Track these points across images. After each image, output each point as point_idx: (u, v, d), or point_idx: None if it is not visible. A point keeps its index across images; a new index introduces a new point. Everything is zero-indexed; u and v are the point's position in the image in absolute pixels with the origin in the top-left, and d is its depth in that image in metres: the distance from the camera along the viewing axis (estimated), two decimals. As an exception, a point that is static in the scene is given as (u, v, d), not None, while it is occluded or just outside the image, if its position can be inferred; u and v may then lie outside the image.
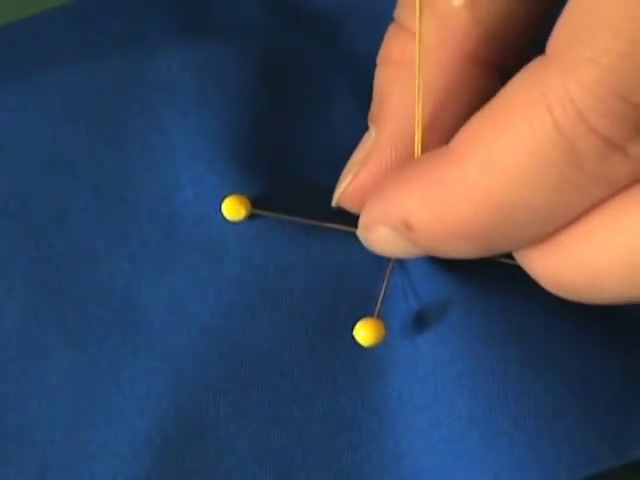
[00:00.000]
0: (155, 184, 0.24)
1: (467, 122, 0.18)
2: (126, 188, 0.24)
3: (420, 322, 0.22)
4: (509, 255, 0.20)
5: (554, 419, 0.21)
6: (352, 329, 0.22)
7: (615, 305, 0.19)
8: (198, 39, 0.25)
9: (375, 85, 0.23)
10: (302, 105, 0.25)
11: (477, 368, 0.21)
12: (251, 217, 0.23)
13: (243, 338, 0.23)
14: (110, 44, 0.25)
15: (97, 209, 0.24)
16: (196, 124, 0.24)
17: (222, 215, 0.23)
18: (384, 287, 0.22)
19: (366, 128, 0.23)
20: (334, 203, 0.23)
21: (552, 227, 0.17)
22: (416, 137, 0.21)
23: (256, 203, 0.23)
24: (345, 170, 0.23)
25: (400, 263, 0.23)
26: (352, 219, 0.22)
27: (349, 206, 0.23)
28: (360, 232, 0.22)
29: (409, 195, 0.19)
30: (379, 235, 0.20)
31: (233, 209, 0.23)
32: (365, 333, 0.22)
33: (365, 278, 0.23)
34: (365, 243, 0.22)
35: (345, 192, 0.23)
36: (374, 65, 0.23)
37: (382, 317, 0.22)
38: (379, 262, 0.23)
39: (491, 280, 0.23)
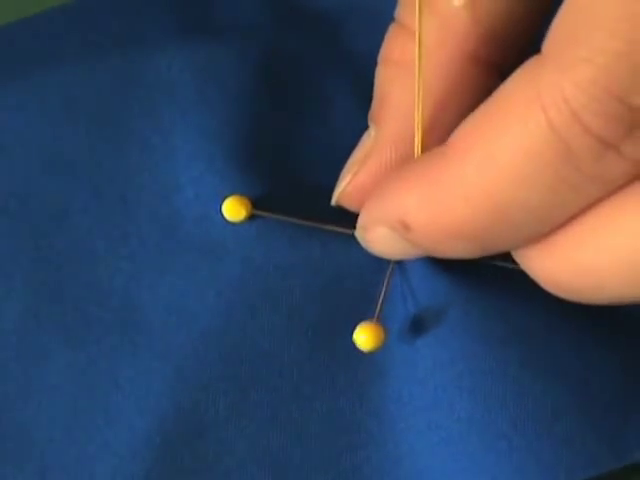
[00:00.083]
0: (155, 184, 0.24)
1: (465, 120, 0.18)
2: (126, 188, 0.24)
3: (419, 324, 0.22)
4: (508, 258, 0.20)
5: (553, 421, 0.21)
6: (352, 330, 0.22)
7: (615, 306, 0.19)
8: (198, 39, 0.25)
9: (375, 84, 0.23)
10: (302, 105, 0.25)
11: (476, 369, 0.21)
12: (251, 218, 0.23)
13: (243, 338, 0.23)
14: (110, 44, 0.25)
15: (97, 209, 0.24)
16: (196, 124, 0.24)
17: (222, 215, 0.23)
18: (384, 289, 0.22)
19: (366, 128, 0.23)
20: (334, 202, 0.23)
21: (548, 227, 0.17)
22: (416, 138, 0.21)
23: (256, 204, 0.23)
24: (345, 169, 0.23)
25: (399, 265, 0.23)
26: (352, 221, 0.22)
27: (348, 205, 0.23)
28: (358, 232, 0.22)
29: (407, 195, 0.19)
30: (377, 235, 0.20)
31: (233, 210, 0.23)
32: (365, 337, 0.22)
33: (365, 279, 0.23)
34: (363, 244, 0.22)
35: (345, 191, 0.23)
36: (374, 65, 0.23)
37: (381, 319, 0.22)
38: (379, 264, 0.23)
39: (490, 281, 0.23)
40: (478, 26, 0.21)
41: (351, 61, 0.26)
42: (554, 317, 0.22)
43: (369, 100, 0.23)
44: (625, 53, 0.15)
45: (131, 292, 0.23)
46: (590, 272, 0.17)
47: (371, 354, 0.22)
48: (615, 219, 0.17)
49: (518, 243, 0.18)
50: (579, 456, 0.21)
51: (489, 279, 0.23)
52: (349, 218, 0.22)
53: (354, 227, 0.22)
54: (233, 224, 0.23)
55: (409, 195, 0.19)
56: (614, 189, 0.16)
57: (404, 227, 0.19)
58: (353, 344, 0.22)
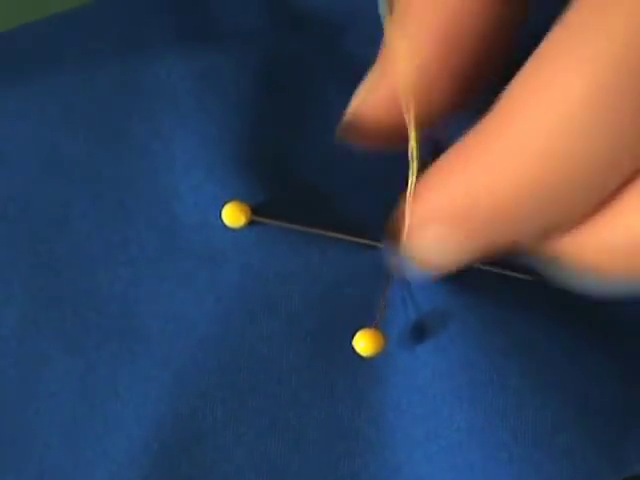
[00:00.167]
0: (154, 191, 0.24)
1: (509, 85, 0.16)
2: (125, 195, 0.24)
3: (419, 332, 0.22)
4: (511, 267, 0.20)
5: (553, 433, 0.21)
6: (351, 337, 0.22)
7: (616, 317, 0.19)
8: (198, 46, 0.25)
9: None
10: (302, 112, 0.25)
11: (476, 380, 0.21)
12: (251, 224, 0.23)
13: (241, 345, 0.23)
14: (110, 51, 0.25)
15: (96, 215, 0.24)
16: (196, 131, 0.24)
17: (222, 222, 0.23)
18: (384, 296, 0.22)
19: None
20: (350, 115, 0.21)
21: (606, 192, 0.16)
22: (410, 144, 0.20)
23: (256, 210, 0.23)
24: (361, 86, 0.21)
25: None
26: (352, 228, 0.22)
27: (371, 115, 0.21)
28: (408, 238, 0.19)
29: (465, 171, 0.17)
30: (429, 236, 0.19)
31: (233, 216, 0.23)
32: (364, 344, 0.21)
33: (364, 287, 0.23)
34: (411, 252, 0.20)
35: (368, 100, 0.20)
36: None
37: (381, 326, 0.22)
38: (378, 271, 0.23)
39: (490, 290, 0.22)
40: None
41: (351, 66, 0.26)
42: (555, 329, 0.22)
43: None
44: None
45: (130, 298, 0.23)
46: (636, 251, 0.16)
47: (370, 360, 0.22)
48: None
49: (574, 217, 0.17)
50: (579, 468, 0.20)
51: (489, 287, 0.22)
52: (349, 225, 0.22)
53: (354, 234, 0.22)
54: (232, 231, 0.23)
55: (469, 169, 0.17)
56: None
57: (462, 218, 0.17)
58: (352, 351, 0.22)
